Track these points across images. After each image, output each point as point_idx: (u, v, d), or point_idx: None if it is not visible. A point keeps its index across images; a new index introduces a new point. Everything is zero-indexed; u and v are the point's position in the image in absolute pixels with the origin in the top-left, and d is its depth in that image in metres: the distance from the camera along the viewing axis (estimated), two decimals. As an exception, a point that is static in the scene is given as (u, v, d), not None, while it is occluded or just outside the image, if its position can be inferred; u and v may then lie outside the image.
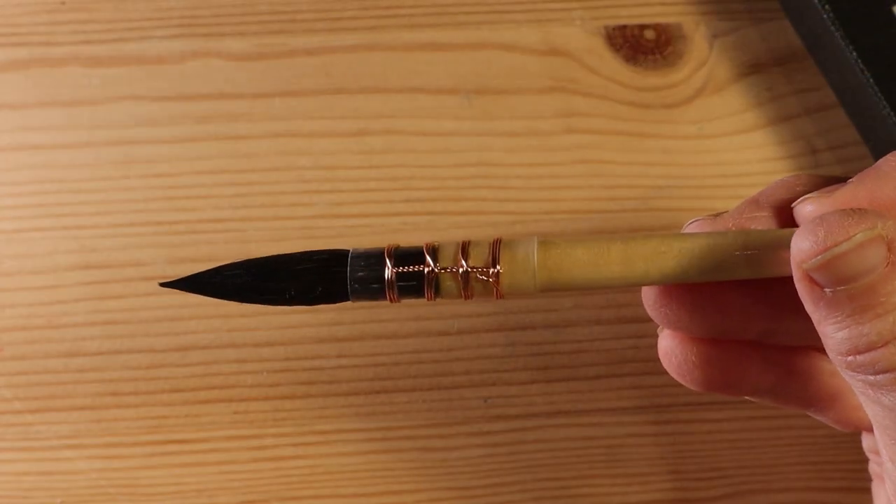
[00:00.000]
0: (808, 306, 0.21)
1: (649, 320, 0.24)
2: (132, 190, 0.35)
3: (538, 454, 0.34)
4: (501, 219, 0.35)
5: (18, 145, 0.35)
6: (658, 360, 0.25)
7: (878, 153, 0.35)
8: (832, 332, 0.20)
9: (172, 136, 0.35)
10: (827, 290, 0.20)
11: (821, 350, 0.25)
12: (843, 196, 0.22)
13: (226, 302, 0.34)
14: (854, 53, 0.33)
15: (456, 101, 0.36)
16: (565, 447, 0.34)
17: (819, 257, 0.20)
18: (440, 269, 0.22)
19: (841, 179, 0.23)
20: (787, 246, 0.21)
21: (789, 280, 0.21)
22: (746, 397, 0.26)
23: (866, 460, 0.27)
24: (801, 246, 0.20)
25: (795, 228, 0.21)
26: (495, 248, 0.22)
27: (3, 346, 0.34)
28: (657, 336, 0.25)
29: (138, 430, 0.34)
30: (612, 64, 0.37)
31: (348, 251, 0.22)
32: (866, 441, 0.27)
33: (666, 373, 0.33)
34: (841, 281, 0.20)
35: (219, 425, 0.34)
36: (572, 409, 0.34)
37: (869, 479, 0.27)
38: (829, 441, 0.34)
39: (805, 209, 0.23)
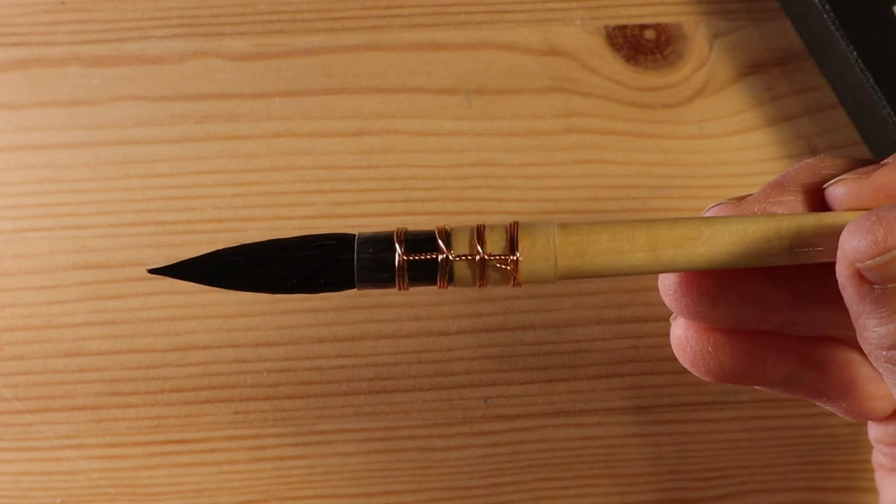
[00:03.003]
0: (851, 300, 0.20)
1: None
2: (132, 190, 0.35)
3: (538, 454, 0.34)
4: (501, 219, 0.35)
5: (18, 145, 0.35)
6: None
7: (878, 153, 0.35)
8: (874, 326, 0.20)
9: (172, 136, 0.35)
10: (877, 286, 0.19)
11: (839, 339, 0.25)
12: (881, 178, 0.21)
13: (225, 301, 0.34)
14: (854, 53, 0.33)
15: (456, 101, 0.36)
16: (565, 447, 0.34)
17: (878, 258, 0.19)
18: (455, 257, 0.20)
19: (866, 162, 0.22)
20: (831, 234, 0.20)
21: (817, 268, 0.21)
22: (757, 387, 0.25)
23: (866, 460, 0.27)
24: (858, 245, 0.19)
25: (834, 212, 0.20)
26: (513, 232, 0.21)
27: (3, 346, 0.34)
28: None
29: (138, 430, 0.34)
30: (612, 64, 0.37)
31: (354, 236, 0.21)
32: (874, 431, 0.26)
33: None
34: (894, 279, 0.19)
35: (219, 425, 0.34)
36: (572, 409, 0.34)
37: (868, 479, 0.27)
38: (829, 441, 0.34)
39: (837, 191, 0.22)
